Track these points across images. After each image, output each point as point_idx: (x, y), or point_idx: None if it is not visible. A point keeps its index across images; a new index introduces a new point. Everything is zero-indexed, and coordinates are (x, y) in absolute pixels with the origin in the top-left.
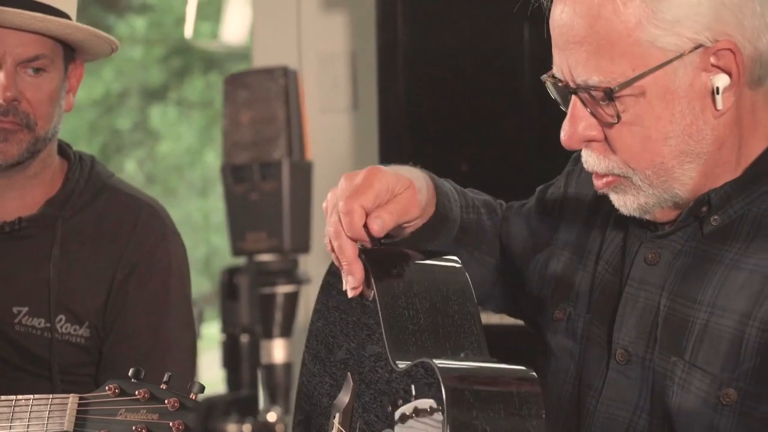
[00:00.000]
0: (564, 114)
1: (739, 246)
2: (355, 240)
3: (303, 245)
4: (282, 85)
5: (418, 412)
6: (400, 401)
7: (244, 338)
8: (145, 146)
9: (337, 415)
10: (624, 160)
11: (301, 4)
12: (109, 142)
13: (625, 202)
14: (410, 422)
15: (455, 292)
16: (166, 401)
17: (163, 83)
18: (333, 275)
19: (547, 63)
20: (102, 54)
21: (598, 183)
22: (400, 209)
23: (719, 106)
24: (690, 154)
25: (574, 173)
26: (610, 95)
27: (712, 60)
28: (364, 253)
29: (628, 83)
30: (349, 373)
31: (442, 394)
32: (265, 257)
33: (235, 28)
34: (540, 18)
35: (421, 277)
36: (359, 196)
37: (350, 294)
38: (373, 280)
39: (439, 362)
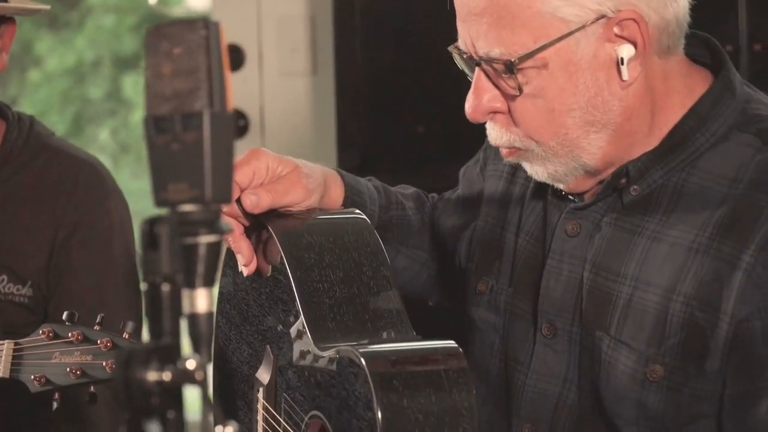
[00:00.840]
0: None
1: (660, 217)
2: (231, 216)
3: (224, 196)
4: (203, 36)
5: (346, 400)
6: (327, 387)
7: (165, 287)
8: (118, 115)
9: (261, 389)
10: (526, 133)
11: None
12: (82, 112)
13: (536, 171)
14: (339, 410)
15: (367, 256)
16: (99, 342)
17: (135, 52)
18: None
19: None
20: (35, 12)
21: (503, 152)
22: (280, 189)
23: (625, 76)
24: (596, 124)
25: (492, 146)
26: (510, 68)
27: (616, 30)
28: (270, 225)
29: (529, 55)
30: (268, 347)
31: (370, 386)
32: (187, 207)
33: None
34: None
35: (331, 244)
36: (235, 171)
37: (245, 272)
38: (283, 254)
39: (363, 350)
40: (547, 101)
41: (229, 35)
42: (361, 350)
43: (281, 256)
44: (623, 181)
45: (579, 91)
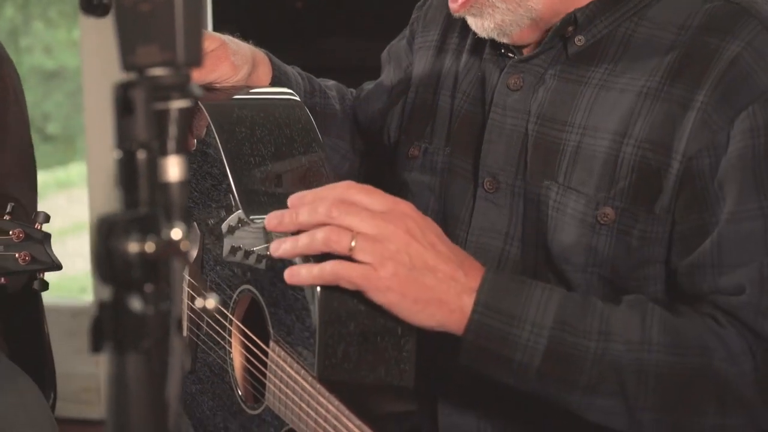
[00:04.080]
0: None
1: (606, 66)
2: None
3: (196, 58)
4: None
5: (280, 271)
6: (260, 258)
7: (141, 155)
8: None
9: (186, 268)
10: None
11: None
12: None
13: (483, 24)
14: (271, 281)
15: (299, 132)
16: (10, 232)
17: None
18: None
19: None
20: None
21: (453, 6)
22: (207, 65)
23: None
24: None
25: (419, 20)
26: None
27: None
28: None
29: None
30: (195, 223)
31: None
32: (158, 71)
33: None
34: None
35: (262, 119)
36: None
37: None
38: (213, 127)
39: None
40: None
41: None
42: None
43: (211, 129)
44: (570, 29)
45: None
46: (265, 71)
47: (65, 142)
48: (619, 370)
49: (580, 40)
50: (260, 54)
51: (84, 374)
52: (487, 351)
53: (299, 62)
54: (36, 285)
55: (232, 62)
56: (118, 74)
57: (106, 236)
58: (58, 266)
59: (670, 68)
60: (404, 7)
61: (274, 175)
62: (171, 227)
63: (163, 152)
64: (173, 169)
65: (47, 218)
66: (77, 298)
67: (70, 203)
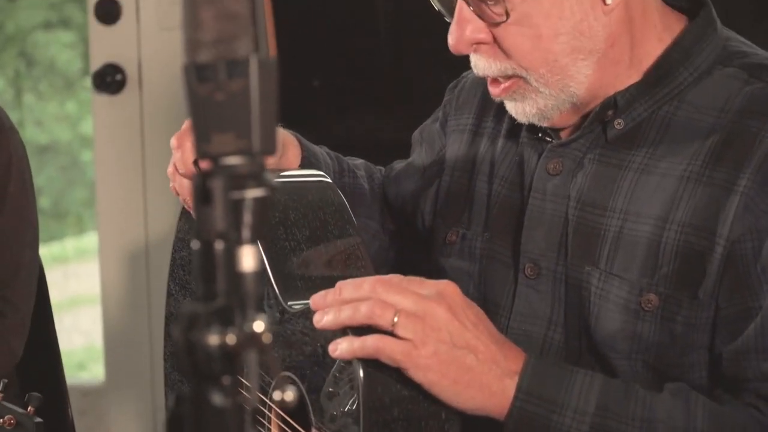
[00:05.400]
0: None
1: (646, 150)
2: (188, 177)
3: (271, 147)
4: None
5: (321, 357)
6: (299, 345)
7: (219, 245)
8: None
9: None
10: (516, 62)
11: None
12: None
13: (524, 109)
14: (311, 367)
15: (332, 215)
16: (1, 420)
17: None
18: None
19: None
20: None
21: (495, 90)
22: None
23: (608, 0)
24: (582, 50)
25: (452, 101)
26: None
27: None
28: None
29: None
30: None
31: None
32: (233, 160)
33: None
34: None
35: (295, 202)
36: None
37: None
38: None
39: None
40: (533, 27)
41: None
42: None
43: None
44: (610, 112)
45: (565, 16)
46: (295, 153)
47: (58, 216)
48: None
49: (619, 124)
50: (289, 136)
51: None
52: None
53: (316, 140)
54: None
55: None
56: (128, 145)
57: (186, 329)
58: None
59: (712, 152)
60: (420, 85)
61: (310, 260)
62: (252, 319)
63: (239, 242)
64: (248, 258)
65: (39, 400)
66: (86, 377)
67: (65, 278)
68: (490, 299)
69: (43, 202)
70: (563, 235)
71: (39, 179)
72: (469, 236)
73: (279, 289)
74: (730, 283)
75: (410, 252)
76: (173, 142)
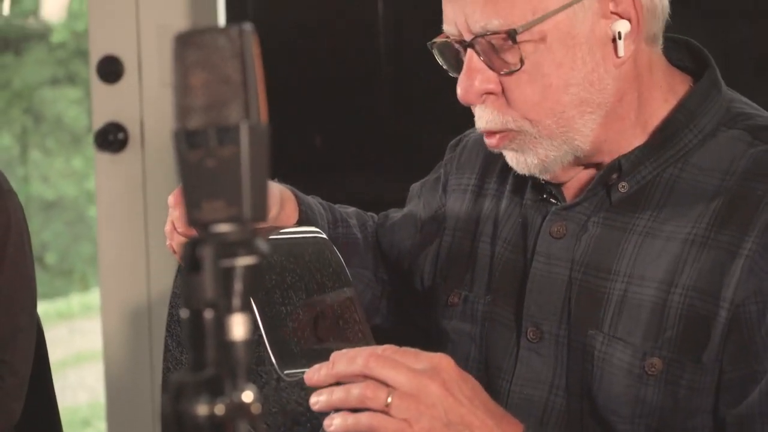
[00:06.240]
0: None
1: (651, 213)
2: (185, 236)
3: (262, 214)
4: (237, 43)
5: (318, 428)
6: (296, 415)
7: (209, 314)
8: None
9: None
10: (522, 113)
11: None
12: None
13: (525, 161)
14: None
15: (329, 276)
16: None
17: None
18: None
19: (402, 33)
20: None
21: (492, 141)
22: None
23: (620, 52)
24: (591, 103)
25: (453, 160)
26: (513, 36)
27: (611, 6)
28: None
29: (530, 24)
30: None
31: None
32: (224, 227)
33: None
34: None
35: (292, 264)
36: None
37: None
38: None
39: None
40: (544, 77)
41: (105, 45)
42: None
43: None
44: (614, 176)
45: (576, 66)
46: (292, 208)
47: (64, 272)
48: None
49: (624, 187)
50: (287, 192)
51: None
52: None
53: (319, 197)
54: None
55: None
56: (130, 203)
57: (175, 398)
58: None
59: (717, 215)
60: (422, 144)
61: (306, 326)
62: (241, 389)
63: (229, 310)
64: (239, 327)
65: None
66: None
67: (70, 334)
68: (492, 362)
69: (49, 257)
70: (566, 299)
71: (45, 235)
72: (472, 298)
73: (275, 356)
74: (734, 347)
75: (406, 306)
76: (171, 200)
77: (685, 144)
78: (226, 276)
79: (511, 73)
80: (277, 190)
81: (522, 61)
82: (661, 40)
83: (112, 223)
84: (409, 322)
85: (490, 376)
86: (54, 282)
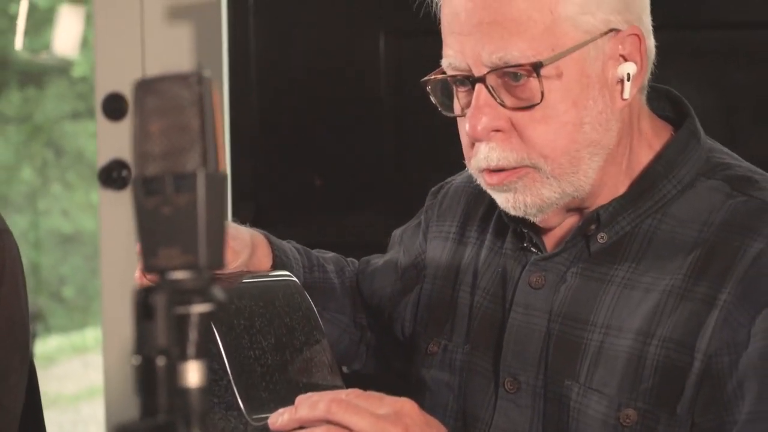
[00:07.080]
0: (444, 122)
1: (629, 264)
2: (154, 282)
3: (218, 261)
4: (196, 91)
5: None
6: None
7: (160, 361)
8: None
9: None
10: (539, 150)
11: (144, 14)
12: None
13: (524, 200)
14: None
15: (299, 320)
16: None
17: None
18: None
19: (403, 74)
20: None
21: (494, 179)
22: None
23: (626, 94)
24: (598, 144)
25: (434, 206)
26: (538, 70)
27: (620, 48)
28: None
29: (552, 59)
30: None
31: None
32: (179, 274)
33: (65, 40)
34: (396, 30)
35: (261, 308)
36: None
37: None
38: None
39: None
40: (560, 114)
41: (110, 83)
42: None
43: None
44: (593, 227)
45: (589, 105)
46: (264, 253)
47: (81, 306)
48: None
49: (602, 238)
50: (259, 236)
51: None
52: None
53: (318, 238)
54: None
55: (232, 248)
56: (133, 240)
57: None
58: None
59: (694, 266)
60: (422, 187)
61: (275, 370)
62: None
63: (183, 357)
64: (193, 374)
65: None
66: None
67: (85, 368)
68: (469, 412)
69: (66, 291)
70: (543, 350)
71: (63, 268)
72: (451, 348)
73: (242, 401)
74: (705, 397)
75: (387, 352)
76: (138, 247)
77: (664, 195)
78: (180, 323)
79: (527, 108)
80: (248, 234)
81: (542, 95)
82: (646, 89)
83: (114, 260)
84: (389, 368)
85: (468, 426)
86: (71, 315)
